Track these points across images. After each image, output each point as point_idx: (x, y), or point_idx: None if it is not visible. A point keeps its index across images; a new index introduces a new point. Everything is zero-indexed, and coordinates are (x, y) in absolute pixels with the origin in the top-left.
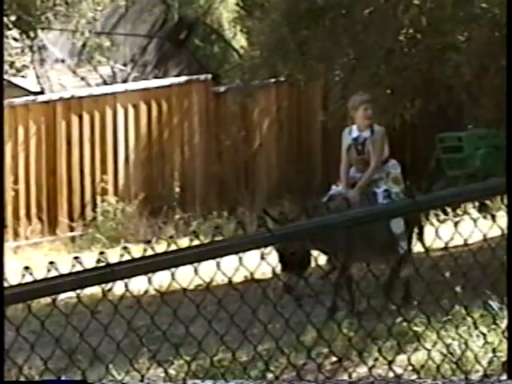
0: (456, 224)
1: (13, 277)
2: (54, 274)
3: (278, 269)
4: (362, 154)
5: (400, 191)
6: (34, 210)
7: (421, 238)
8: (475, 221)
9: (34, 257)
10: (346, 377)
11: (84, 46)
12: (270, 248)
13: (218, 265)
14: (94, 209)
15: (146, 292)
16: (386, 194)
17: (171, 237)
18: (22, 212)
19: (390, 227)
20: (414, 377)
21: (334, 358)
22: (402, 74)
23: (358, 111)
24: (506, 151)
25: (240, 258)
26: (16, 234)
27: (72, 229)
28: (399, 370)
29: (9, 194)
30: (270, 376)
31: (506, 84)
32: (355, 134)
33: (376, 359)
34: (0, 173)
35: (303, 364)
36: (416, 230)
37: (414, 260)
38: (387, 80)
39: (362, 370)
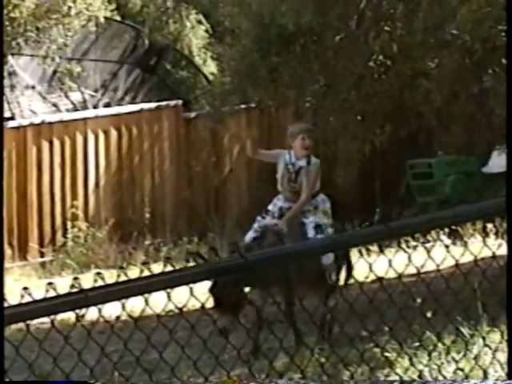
0: (428, 250)
1: None
2: (27, 299)
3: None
4: (294, 182)
5: (329, 224)
6: (4, 235)
7: (349, 272)
8: (447, 247)
9: (5, 282)
10: None
11: (54, 72)
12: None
13: (191, 290)
14: (64, 234)
15: (119, 317)
16: (314, 226)
17: (145, 263)
18: None
19: (319, 259)
20: None
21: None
22: (372, 100)
23: (296, 140)
24: (506, 155)
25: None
26: None
27: (42, 254)
28: None
29: None
30: None
31: (506, 84)
32: (292, 159)
33: None
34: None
35: None
36: (345, 263)
37: (341, 291)
38: (358, 106)
39: None
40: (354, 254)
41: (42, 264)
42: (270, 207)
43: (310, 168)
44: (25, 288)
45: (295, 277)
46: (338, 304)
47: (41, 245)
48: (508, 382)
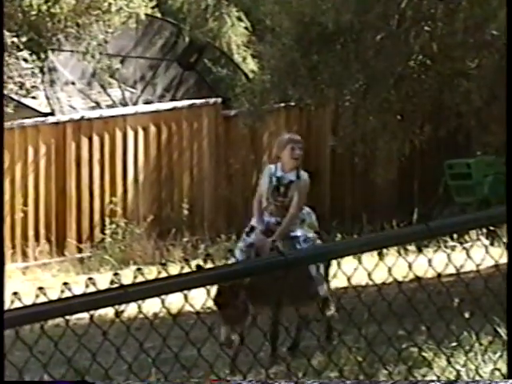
0: (467, 250)
1: (24, 297)
2: (67, 294)
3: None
4: (283, 197)
5: (316, 237)
6: (42, 231)
7: (326, 275)
8: (486, 247)
9: (43, 277)
10: None
11: (94, 68)
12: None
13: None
14: (102, 230)
15: (157, 314)
16: (304, 239)
17: (186, 259)
18: (31, 233)
19: (308, 270)
20: None
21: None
22: (411, 99)
23: (285, 150)
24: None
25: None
26: (24, 255)
27: (80, 250)
28: None
29: (18, 215)
30: None
31: (506, 84)
32: (279, 173)
33: None
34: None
35: None
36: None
37: (333, 299)
38: (397, 106)
39: None
40: (392, 253)
41: (80, 260)
42: (253, 223)
43: (300, 183)
44: (65, 283)
45: (286, 291)
46: (337, 313)
47: (79, 241)
48: (508, 381)
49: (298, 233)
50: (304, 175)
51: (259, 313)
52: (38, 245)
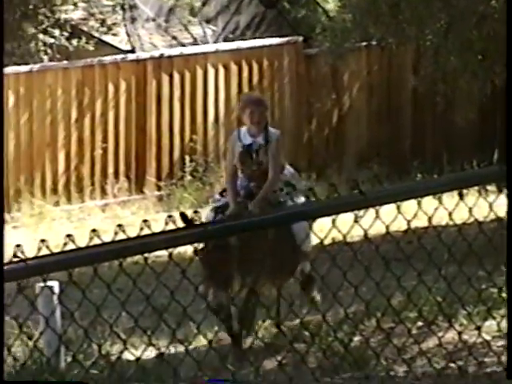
0: None
1: (103, 235)
2: (146, 232)
3: (374, 232)
4: (258, 164)
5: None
6: (122, 168)
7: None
8: None
9: (122, 215)
10: (435, 341)
11: (174, 5)
12: (363, 211)
13: (311, 226)
14: (182, 168)
15: None
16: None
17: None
18: (110, 170)
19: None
20: (501, 343)
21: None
22: (493, 39)
23: (244, 115)
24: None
25: (333, 220)
26: (103, 192)
27: (159, 188)
28: (487, 337)
29: (97, 152)
30: (357, 338)
31: (506, 83)
32: (247, 140)
33: (461, 324)
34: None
35: (391, 328)
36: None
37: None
38: (479, 45)
39: (449, 335)
40: (472, 193)
41: (159, 198)
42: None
43: (271, 145)
44: (144, 221)
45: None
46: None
47: (158, 178)
48: (508, 381)
49: (293, 202)
50: (273, 135)
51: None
52: (117, 182)
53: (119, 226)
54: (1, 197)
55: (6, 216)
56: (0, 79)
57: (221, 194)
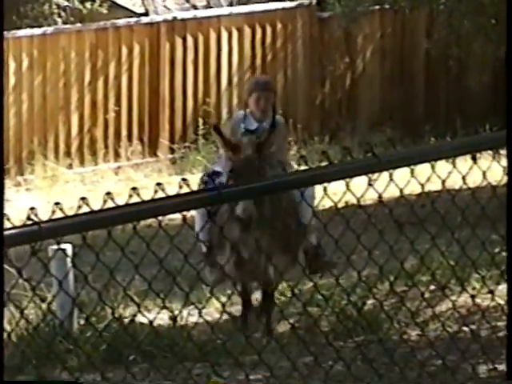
0: None
1: (116, 198)
2: (160, 195)
3: (387, 195)
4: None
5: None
6: (135, 131)
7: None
8: None
9: (135, 178)
10: (448, 305)
11: None
12: (377, 174)
13: (325, 189)
14: (195, 131)
15: None
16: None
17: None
18: (124, 133)
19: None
20: None
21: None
22: (507, 2)
23: (251, 98)
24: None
25: (347, 184)
26: (117, 155)
27: (173, 151)
28: (500, 301)
29: (110, 115)
30: (370, 302)
31: (507, 83)
32: (252, 125)
33: (474, 288)
34: None
35: (404, 291)
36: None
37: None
38: (492, 9)
39: (462, 299)
40: (485, 157)
41: (173, 160)
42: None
43: (277, 131)
44: (158, 183)
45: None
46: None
47: (171, 141)
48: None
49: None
50: (279, 121)
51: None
52: (130, 145)
53: (133, 188)
54: (1, 175)
55: (19, 178)
56: (0, 76)
57: (209, 175)
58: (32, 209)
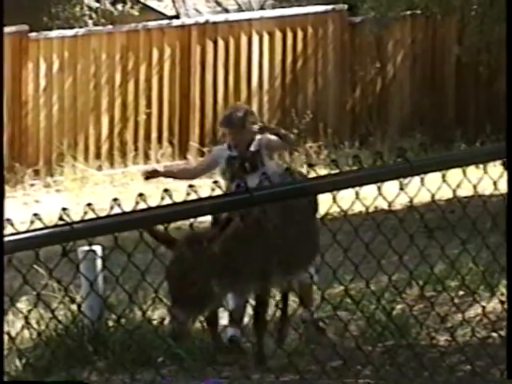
0: None
1: (150, 200)
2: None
3: (417, 200)
4: (251, 170)
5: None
6: (165, 134)
7: None
8: None
9: (165, 180)
10: (478, 310)
11: None
12: (408, 178)
13: (356, 194)
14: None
15: None
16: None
17: (310, 164)
18: (154, 135)
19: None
20: None
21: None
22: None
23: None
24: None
25: (378, 188)
26: (147, 157)
27: (202, 154)
28: None
29: (141, 117)
30: (399, 306)
31: (506, 83)
32: (234, 152)
33: (503, 294)
34: None
35: (433, 296)
36: None
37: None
38: None
39: (491, 305)
40: None
41: None
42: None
43: (262, 147)
44: (190, 186)
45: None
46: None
47: (201, 144)
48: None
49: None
50: (263, 139)
51: None
52: (160, 147)
53: (165, 190)
54: (1, 174)
55: (49, 179)
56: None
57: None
58: (64, 209)
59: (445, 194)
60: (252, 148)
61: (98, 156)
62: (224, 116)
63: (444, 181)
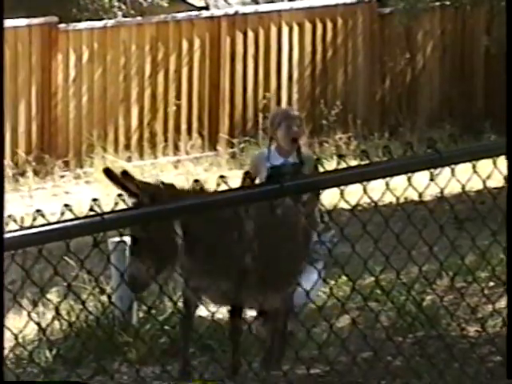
0: None
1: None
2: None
3: (446, 191)
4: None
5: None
6: (195, 125)
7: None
8: None
9: (195, 171)
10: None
11: None
12: (439, 169)
13: (387, 185)
14: (255, 125)
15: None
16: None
17: (340, 155)
18: (184, 127)
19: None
20: None
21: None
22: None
23: (279, 130)
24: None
25: (409, 179)
26: (176, 149)
27: (232, 145)
28: None
29: (171, 109)
30: (429, 297)
31: (506, 82)
32: (276, 160)
33: None
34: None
35: (463, 287)
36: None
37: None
38: None
39: None
40: None
41: (232, 155)
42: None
43: (305, 168)
44: (221, 176)
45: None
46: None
47: (231, 135)
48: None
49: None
50: (309, 157)
51: None
52: (190, 139)
53: (196, 181)
54: (1, 166)
55: (79, 171)
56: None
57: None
58: (95, 200)
59: (475, 185)
60: (305, 156)
61: (127, 147)
62: (286, 111)
63: (474, 172)
